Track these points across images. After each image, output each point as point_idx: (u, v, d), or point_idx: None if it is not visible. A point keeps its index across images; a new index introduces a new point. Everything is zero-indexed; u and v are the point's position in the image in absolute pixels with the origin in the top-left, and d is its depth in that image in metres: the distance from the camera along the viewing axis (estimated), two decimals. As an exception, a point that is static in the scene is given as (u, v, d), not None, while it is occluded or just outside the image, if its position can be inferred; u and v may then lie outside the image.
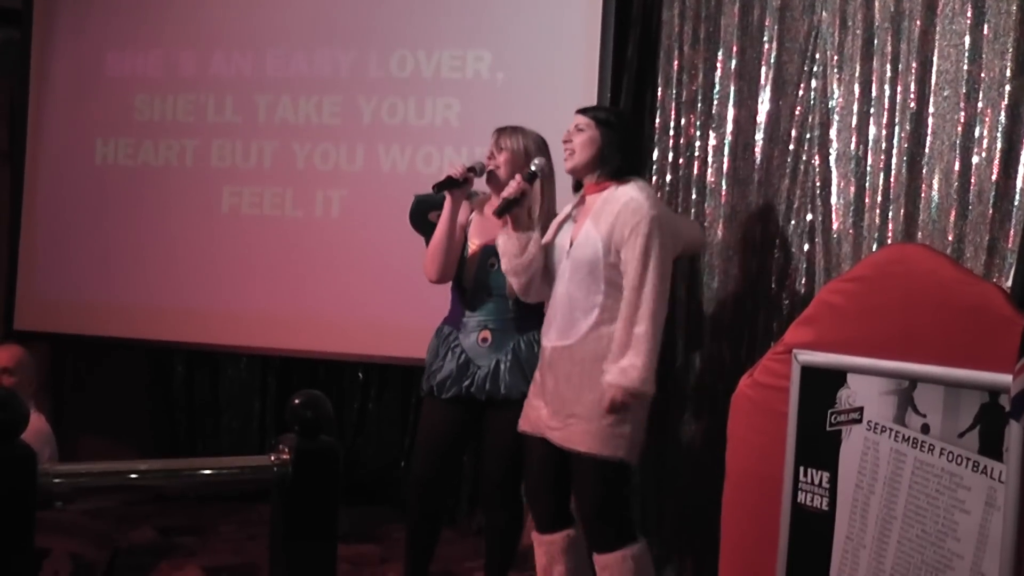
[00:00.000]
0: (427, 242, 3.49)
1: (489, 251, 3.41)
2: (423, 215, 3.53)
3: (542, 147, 3.40)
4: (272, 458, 1.90)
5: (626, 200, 3.05)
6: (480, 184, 3.47)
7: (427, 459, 3.47)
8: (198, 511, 4.79)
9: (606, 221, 3.05)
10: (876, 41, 3.48)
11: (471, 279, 3.45)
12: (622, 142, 3.15)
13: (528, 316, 3.33)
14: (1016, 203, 3.14)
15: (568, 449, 3.09)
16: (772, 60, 3.77)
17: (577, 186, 3.27)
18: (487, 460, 3.49)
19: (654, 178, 4.12)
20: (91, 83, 5.05)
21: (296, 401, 1.93)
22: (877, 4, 3.48)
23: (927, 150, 3.32)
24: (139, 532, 4.44)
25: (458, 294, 3.50)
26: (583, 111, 3.21)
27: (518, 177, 3.23)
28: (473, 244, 3.46)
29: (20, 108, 5.15)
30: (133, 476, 1.88)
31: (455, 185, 3.37)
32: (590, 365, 3.04)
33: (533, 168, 3.29)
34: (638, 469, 4.01)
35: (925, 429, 2.40)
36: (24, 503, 1.63)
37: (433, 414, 3.47)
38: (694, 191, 3.96)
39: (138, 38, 4.98)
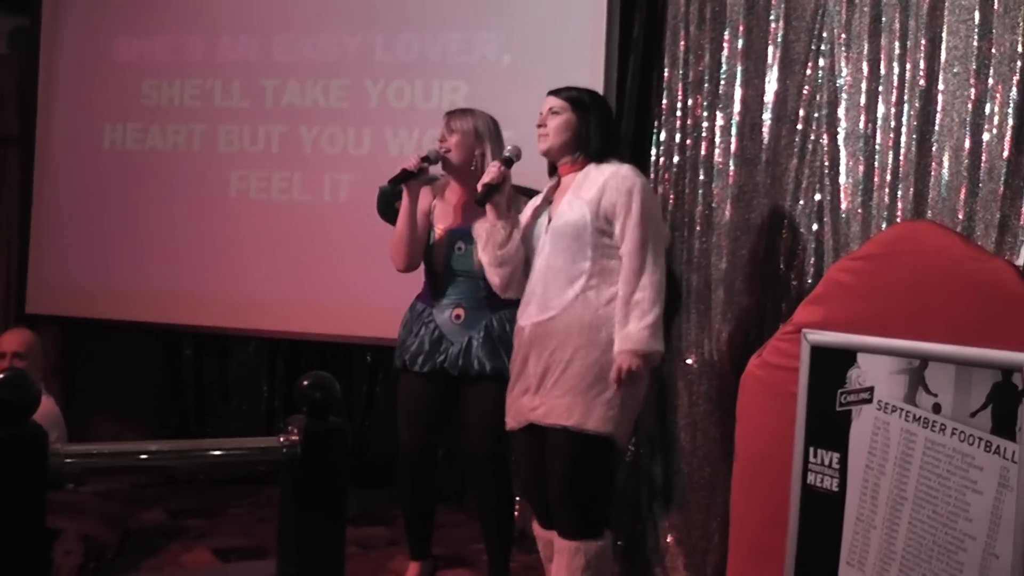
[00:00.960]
0: None
1: (455, 235, 3.45)
2: (390, 205, 3.56)
3: (492, 127, 3.42)
4: (281, 439, 1.90)
5: (613, 170, 3.02)
6: (439, 169, 3.51)
7: (412, 431, 3.50)
8: (208, 493, 4.82)
9: (590, 190, 2.99)
10: (884, 18, 3.44)
11: (440, 264, 3.48)
12: (599, 124, 3.07)
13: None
14: (1027, 180, 3.12)
15: (547, 425, 2.97)
16: (779, 39, 3.74)
17: (551, 170, 3.20)
18: (470, 437, 3.48)
19: (661, 159, 4.10)
20: (99, 69, 5.07)
21: (305, 382, 1.92)
22: (885, -20, 3.45)
23: (936, 128, 3.29)
24: (149, 514, 4.46)
25: (429, 278, 3.53)
26: (556, 93, 3.10)
27: (497, 163, 3.18)
28: (439, 229, 3.49)
29: (29, 94, 5.18)
30: (143, 456, 1.89)
31: (411, 177, 3.41)
32: (576, 334, 2.95)
33: (507, 153, 3.25)
34: (645, 453, 4.03)
35: (936, 408, 2.38)
36: (35, 483, 1.63)
37: (411, 388, 3.51)
38: (701, 171, 3.94)
39: (145, 24, 4.99)
